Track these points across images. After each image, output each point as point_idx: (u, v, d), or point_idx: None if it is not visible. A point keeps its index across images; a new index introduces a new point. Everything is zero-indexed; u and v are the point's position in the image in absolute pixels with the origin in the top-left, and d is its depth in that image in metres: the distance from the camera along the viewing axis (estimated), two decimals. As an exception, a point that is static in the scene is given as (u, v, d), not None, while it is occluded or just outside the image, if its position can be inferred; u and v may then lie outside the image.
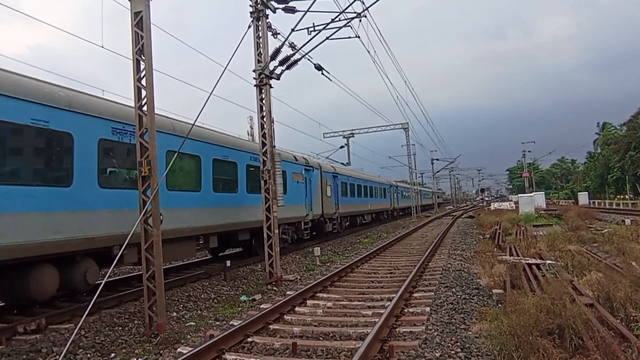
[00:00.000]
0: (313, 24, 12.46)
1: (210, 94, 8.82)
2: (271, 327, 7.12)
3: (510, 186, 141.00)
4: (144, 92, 7.64)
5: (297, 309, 8.31)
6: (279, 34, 12.64)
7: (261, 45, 11.96)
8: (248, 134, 39.36)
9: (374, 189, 34.87)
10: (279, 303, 8.12)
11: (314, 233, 22.13)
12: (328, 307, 8.42)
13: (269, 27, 12.21)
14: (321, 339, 6.53)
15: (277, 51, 11.96)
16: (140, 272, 7.75)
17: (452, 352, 5.62)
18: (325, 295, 9.44)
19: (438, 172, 69.66)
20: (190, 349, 5.91)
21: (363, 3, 12.61)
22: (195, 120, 9.04)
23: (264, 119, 12.11)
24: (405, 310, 7.79)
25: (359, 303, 8.67)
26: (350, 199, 27.66)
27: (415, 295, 8.96)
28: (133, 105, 7.81)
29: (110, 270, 7.12)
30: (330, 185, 23.17)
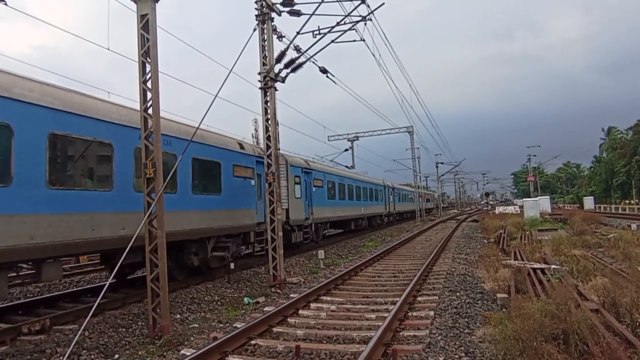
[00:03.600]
0: (318, 27, 12.51)
1: (216, 96, 8.85)
2: (274, 330, 7.11)
3: (515, 190, 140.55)
4: (149, 94, 7.68)
5: (300, 312, 8.30)
6: (284, 36, 12.68)
7: (266, 48, 11.99)
8: (253, 137, 39.44)
9: None
10: (282, 306, 8.11)
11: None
12: (332, 311, 8.40)
13: (274, 30, 12.25)
14: (325, 342, 6.52)
15: (282, 54, 12.01)
16: (144, 274, 7.76)
17: (456, 356, 5.60)
18: (329, 299, 9.42)
19: (442, 175, 69.44)
20: (194, 350, 5.92)
21: (368, 6, 12.66)
22: (200, 123, 9.06)
23: (269, 122, 12.13)
24: (409, 314, 7.77)
25: (362, 306, 8.65)
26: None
27: (419, 299, 8.93)
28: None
29: (114, 272, 7.14)
30: None
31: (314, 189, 20.03)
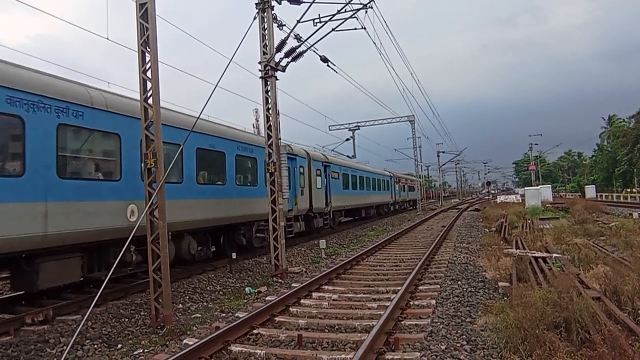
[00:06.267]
0: (319, 15, 12.40)
1: (216, 86, 8.78)
2: (276, 319, 7.13)
3: (517, 179, 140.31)
4: (149, 84, 7.62)
5: (302, 301, 8.32)
6: (284, 25, 12.57)
7: (266, 37, 11.90)
8: (254, 127, 39.32)
9: None
10: (284, 295, 8.14)
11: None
12: (333, 300, 8.43)
13: (275, 18, 12.14)
14: (326, 331, 6.54)
15: (283, 43, 11.90)
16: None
17: (458, 344, 5.61)
18: (330, 288, 9.45)
19: (444, 164, 69.23)
20: (196, 340, 5.94)
21: (369, -6, 12.50)
22: (201, 113, 9.01)
23: (270, 111, 12.08)
24: (411, 303, 7.79)
25: (364, 295, 8.67)
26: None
27: (421, 288, 8.95)
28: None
29: (116, 263, 7.15)
30: None
31: None
